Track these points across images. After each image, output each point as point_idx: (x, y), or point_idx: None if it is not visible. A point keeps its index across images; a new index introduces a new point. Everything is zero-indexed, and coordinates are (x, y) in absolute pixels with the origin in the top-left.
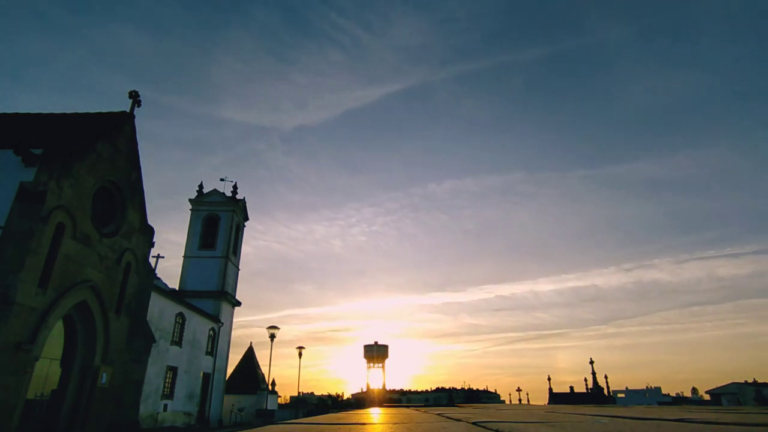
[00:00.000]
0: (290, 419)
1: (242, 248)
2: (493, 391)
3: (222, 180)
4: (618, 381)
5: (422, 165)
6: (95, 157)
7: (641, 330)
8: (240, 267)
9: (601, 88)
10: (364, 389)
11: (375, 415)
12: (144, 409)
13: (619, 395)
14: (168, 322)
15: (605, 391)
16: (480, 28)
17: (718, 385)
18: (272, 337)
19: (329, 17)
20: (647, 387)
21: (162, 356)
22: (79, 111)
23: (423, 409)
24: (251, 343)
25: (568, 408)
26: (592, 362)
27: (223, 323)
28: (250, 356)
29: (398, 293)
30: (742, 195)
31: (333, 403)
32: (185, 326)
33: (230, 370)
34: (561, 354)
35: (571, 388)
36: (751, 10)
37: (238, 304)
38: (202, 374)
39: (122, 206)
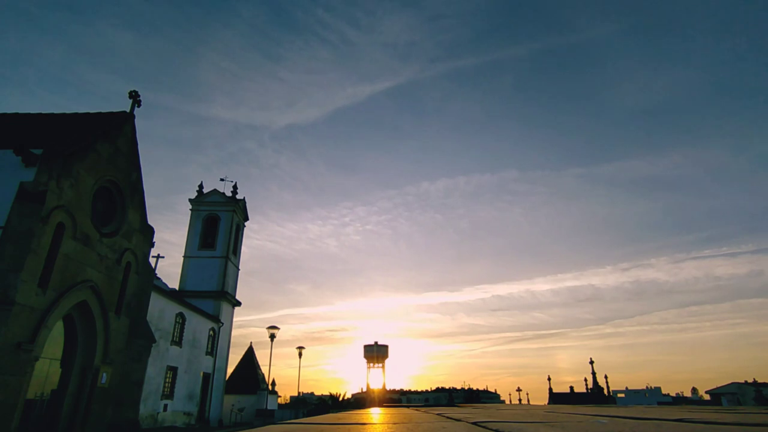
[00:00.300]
0: (290, 419)
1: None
2: (493, 391)
3: (222, 180)
4: (618, 381)
5: (415, 163)
6: (95, 157)
7: (640, 330)
8: (240, 267)
9: (591, 85)
10: (364, 389)
11: (375, 415)
12: (144, 409)
13: (619, 395)
14: (168, 322)
15: (605, 391)
16: (468, 26)
17: (718, 385)
18: (272, 337)
19: (316, 14)
20: (647, 387)
21: (162, 356)
22: (67, 108)
23: (423, 409)
24: (251, 343)
25: (568, 408)
26: (592, 362)
27: (223, 323)
28: (250, 356)
29: (395, 293)
30: (737, 194)
31: (333, 403)
32: (185, 326)
33: (230, 370)
34: (560, 354)
35: (571, 388)
36: (742, 5)
37: (238, 304)
38: (202, 374)
39: (122, 206)
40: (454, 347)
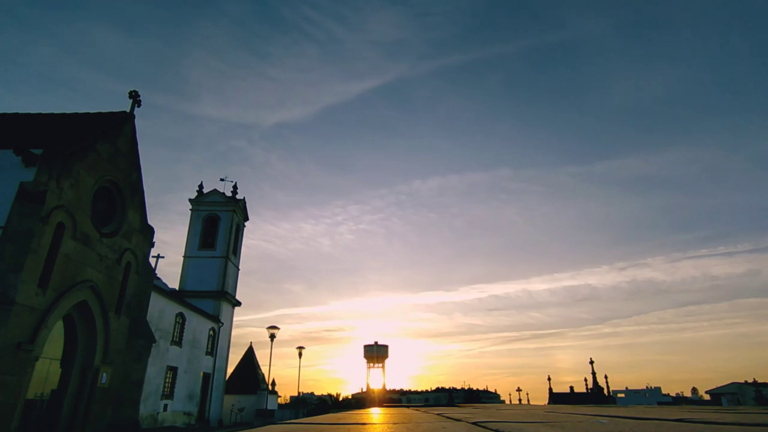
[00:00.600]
0: (290, 419)
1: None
2: (493, 391)
3: (222, 180)
4: (618, 381)
5: (406, 162)
6: (95, 157)
7: (638, 330)
8: (240, 267)
9: (582, 82)
10: (364, 389)
11: (375, 415)
12: (144, 409)
13: (619, 395)
14: (168, 322)
15: (605, 391)
16: (457, 23)
17: (718, 385)
18: (272, 337)
19: (302, 11)
20: (647, 387)
21: (162, 356)
22: (55, 107)
23: (423, 409)
24: (251, 343)
25: (568, 408)
26: (592, 362)
27: (223, 323)
28: (250, 356)
29: (390, 292)
30: (732, 192)
31: (333, 403)
32: (185, 326)
33: (230, 370)
34: (559, 354)
35: (571, 388)
36: (736, 2)
37: (238, 304)
38: (202, 374)
39: (122, 206)
40: (452, 347)
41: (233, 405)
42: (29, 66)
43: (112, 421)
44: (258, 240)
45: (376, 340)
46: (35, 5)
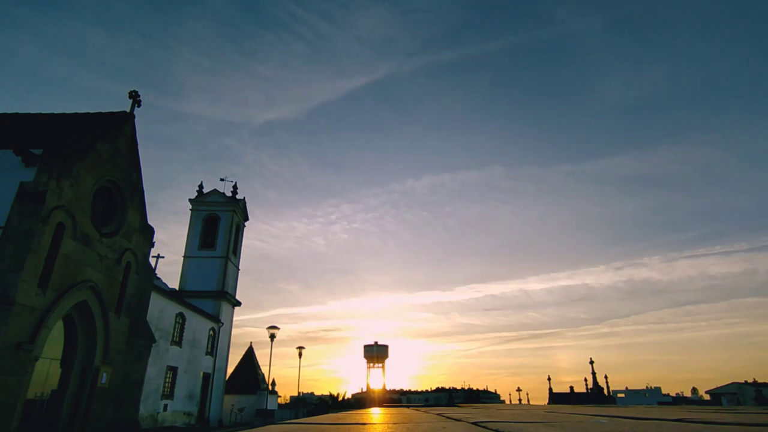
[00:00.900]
0: (290, 419)
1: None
2: (493, 391)
3: (222, 180)
4: (618, 381)
5: (398, 160)
6: (95, 157)
7: (636, 329)
8: (240, 267)
9: (572, 80)
10: (364, 389)
11: (375, 415)
12: (144, 409)
13: (619, 395)
14: (168, 322)
15: (605, 391)
16: (445, 19)
17: (718, 385)
18: (272, 337)
19: (287, 7)
20: (647, 387)
21: (162, 356)
22: (42, 106)
23: (423, 409)
24: (251, 343)
25: (568, 408)
26: (592, 362)
27: (223, 323)
28: (250, 356)
29: (386, 292)
30: (727, 191)
31: (333, 403)
32: (185, 326)
33: (230, 370)
34: (559, 354)
35: (571, 388)
36: (727, 0)
37: (238, 304)
38: (202, 374)
39: (122, 206)
40: (451, 347)
41: (233, 405)
42: (14, 63)
43: (112, 421)
44: (252, 239)
45: (376, 341)
46: (20, 4)
